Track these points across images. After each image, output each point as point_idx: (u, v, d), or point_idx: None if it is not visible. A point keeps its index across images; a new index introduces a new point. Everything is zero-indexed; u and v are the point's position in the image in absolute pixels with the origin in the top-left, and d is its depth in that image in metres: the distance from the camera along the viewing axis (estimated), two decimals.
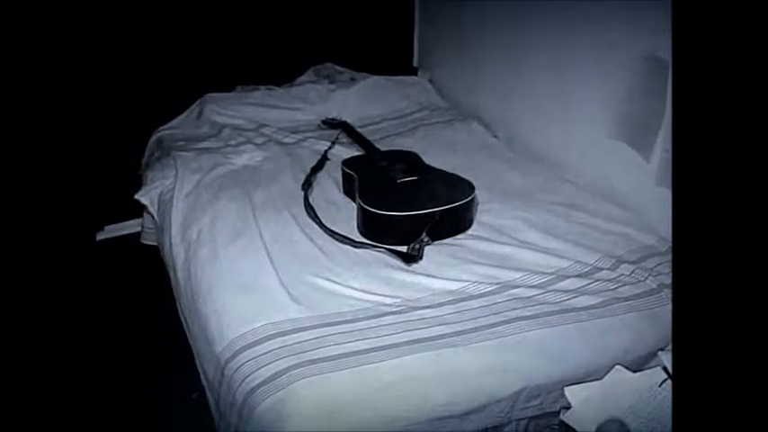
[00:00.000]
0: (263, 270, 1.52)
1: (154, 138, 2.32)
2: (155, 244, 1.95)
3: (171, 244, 1.74)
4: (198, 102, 2.46)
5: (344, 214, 1.76)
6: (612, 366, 1.26)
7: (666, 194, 1.65)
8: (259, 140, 2.25)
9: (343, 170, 1.90)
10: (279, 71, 2.71)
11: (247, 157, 2.12)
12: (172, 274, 1.73)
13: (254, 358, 1.27)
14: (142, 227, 2.10)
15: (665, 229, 1.66)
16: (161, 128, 2.36)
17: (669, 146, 1.63)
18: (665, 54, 1.60)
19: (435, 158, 1.96)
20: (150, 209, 1.94)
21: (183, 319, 1.65)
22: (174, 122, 2.40)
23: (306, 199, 1.82)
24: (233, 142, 2.22)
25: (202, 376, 1.48)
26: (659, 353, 1.30)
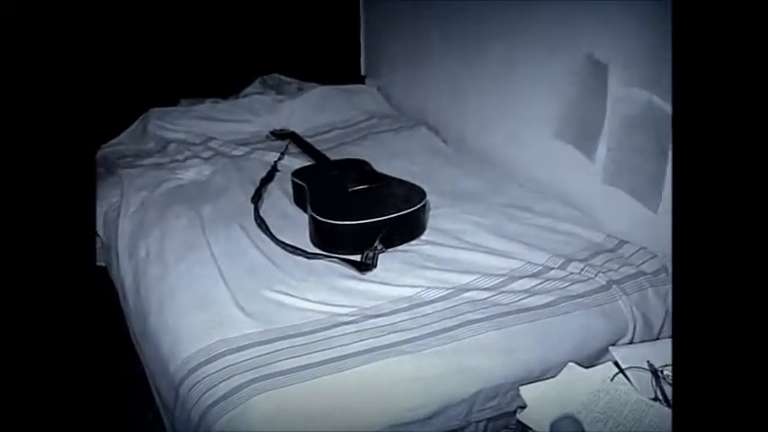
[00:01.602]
0: (214, 286, 1.50)
1: (98, 155, 2.26)
2: (102, 264, 1.90)
3: (119, 264, 1.70)
4: (141, 117, 2.42)
5: (296, 225, 1.74)
6: (566, 363, 1.29)
7: (611, 192, 1.69)
8: (206, 154, 2.22)
9: (293, 181, 1.89)
10: (224, 83, 2.67)
11: (195, 171, 2.09)
12: (121, 294, 1.69)
13: (208, 375, 1.25)
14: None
15: (612, 226, 1.71)
16: (104, 145, 2.31)
17: (612, 145, 1.67)
18: (603, 55, 1.64)
19: (386, 166, 1.97)
20: (97, 229, 1.89)
21: (134, 340, 1.61)
22: (118, 139, 2.35)
23: (256, 211, 1.80)
24: (179, 157, 2.19)
25: (156, 396, 1.45)
26: (610, 348, 1.33)
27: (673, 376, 1.15)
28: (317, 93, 2.63)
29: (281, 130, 2.38)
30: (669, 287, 1.52)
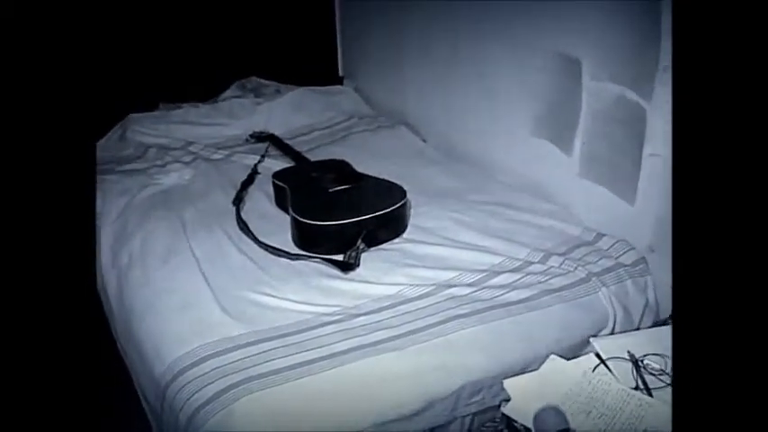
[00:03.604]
0: (198, 289, 1.50)
1: None
2: None
3: (102, 270, 1.69)
4: (120, 123, 2.41)
5: (278, 227, 1.75)
6: (548, 356, 1.31)
7: (588, 186, 1.72)
8: (186, 158, 2.22)
9: (274, 183, 1.89)
10: (202, 87, 2.67)
11: (175, 176, 2.09)
12: (104, 300, 1.69)
13: (195, 378, 1.25)
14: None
15: (590, 219, 1.73)
16: None
17: (587, 139, 1.69)
18: (575, 51, 1.66)
19: (366, 166, 1.98)
20: None
21: (119, 346, 1.61)
22: (97, 145, 2.34)
23: (238, 214, 1.80)
24: (159, 162, 2.18)
25: (143, 401, 1.45)
26: (591, 339, 1.35)
27: (672, 368, 1.17)
28: (296, 94, 2.64)
29: (261, 132, 2.39)
30: (648, 278, 1.55)
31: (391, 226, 1.71)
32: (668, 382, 1.21)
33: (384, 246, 1.67)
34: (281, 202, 1.87)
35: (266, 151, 2.23)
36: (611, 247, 1.62)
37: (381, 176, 1.88)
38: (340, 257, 1.59)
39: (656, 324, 1.52)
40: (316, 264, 1.60)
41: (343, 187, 1.82)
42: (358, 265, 1.57)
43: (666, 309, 1.56)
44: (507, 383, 1.24)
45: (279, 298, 1.46)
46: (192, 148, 2.28)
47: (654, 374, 1.23)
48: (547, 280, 1.51)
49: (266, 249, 1.64)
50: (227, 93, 2.74)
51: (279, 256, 1.62)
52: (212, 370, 1.26)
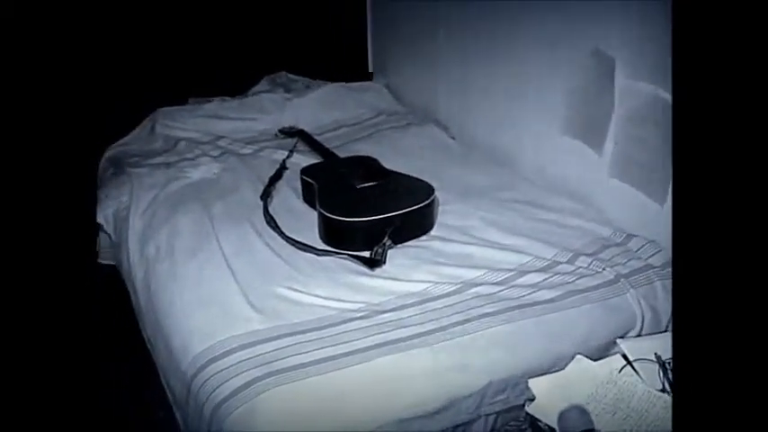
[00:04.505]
0: (224, 283, 1.51)
1: (106, 155, 2.28)
2: (112, 263, 1.92)
3: (129, 262, 1.72)
4: (150, 116, 2.43)
5: (305, 223, 1.75)
6: (574, 356, 1.29)
7: (619, 186, 1.69)
8: (215, 153, 2.23)
9: (302, 178, 1.90)
10: (232, 82, 2.69)
11: (204, 169, 2.10)
12: (132, 293, 1.71)
13: (220, 371, 1.26)
14: (98, 246, 2.06)
15: (620, 220, 1.71)
16: (113, 145, 2.32)
17: (619, 139, 1.67)
18: (609, 49, 1.64)
19: (394, 163, 1.97)
20: (106, 228, 1.91)
21: (145, 337, 1.63)
22: (127, 139, 2.36)
23: (265, 209, 1.81)
24: (189, 156, 2.20)
25: (169, 393, 1.47)
26: (618, 340, 1.34)
27: (673, 367, 1.15)
28: (326, 90, 2.64)
29: (290, 127, 2.39)
30: None
31: (418, 223, 1.71)
32: None
33: (411, 243, 1.67)
34: (308, 198, 1.87)
35: (294, 146, 2.24)
36: (641, 248, 1.59)
37: (409, 174, 1.87)
38: (366, 254, 1.59)
39: None
40: (342, 260, 1.60)
41: (370, 184, 1.82)
42: (384, 262, 1.57)
43: None
44: (532, 383, 1.23)
45: (304, 293, 1.47)
46: (220, 143, 2.30)
47: (672, 375, 1.20)
48: (574, 280, 1.49)
49: (293, 245, 1.65)
50: (257, 87, 2.75)
51: (305, 251, 1.63)
52: (236, 363, 1.26)
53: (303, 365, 1.25)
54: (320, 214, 1.68)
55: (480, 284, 1.49)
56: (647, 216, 1.62)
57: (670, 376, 1.20)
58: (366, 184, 1.81)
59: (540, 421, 1.16)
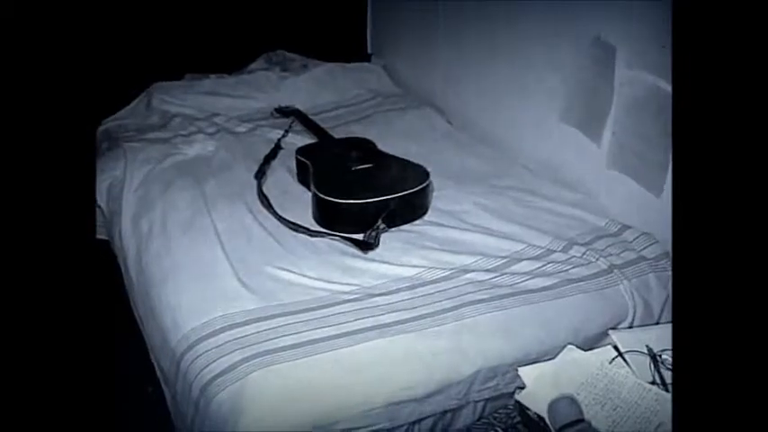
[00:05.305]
0: (217, 261, 1.50)
1: (101, 129, 2.25)
2: (105, 238, 1.91)
3: (122, 237, 1.70)
4: (146, 91, 2.40)
5: (299, 203, 1.74)
6: (565, 346, 1.29)
7: (615, 176, 1.69)
8: (210, 130, 2.21)
9: (297, 158, 1.88)
10: (229, 58, 2.65)
11: (199, 146, 2.08)
12: (123, 268, 1.70)
13: (209, 350, 1.26)
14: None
15: (616, 210, 1.70)
16: (108, 118, 2.30)
17: (617, 129, 1.66)
18: (610, 38, 1.63)
19: (390, 145, 1.96)
20: (99, 202, 1.89)
21: (136, 313, 1.62)
22: (122, 113, 2.34)
23: (259, 188, 1.80)
24: (183, 132, 2.18)
25: (157, 370, 1.47)
26: (610, 331, 1.33)
27: (673, 361, 1.16)
28: (323, 70, 2.61)
29: (286, 107, 2.37)
30: (670, 273, 1.52)
31: (413, 207, 1.70)
32: None
33: (404, 227, 1.66)
34: (303, 179, 1.86)
35: (290, 126, 2.22)
36: (635, 239, 1.59)
37: (405, 157, 1.86)
38: (360, 236, 1.58)
39: None
40: (335, 241, 1.59)
41: (365, 166, 1.80)
42: (377, 245, 1.57)
43: None
44: (522, 371, 1.23)
45: (297, 274, 1.46)
46: (216, 120, 2.28)
47: (671, 370, 1.21)
48: (568, 269, 1.49)
49: (286, 225, 1.64)
50: (254, 65, 2.72)
51: (298, 232, 1.62)
52: (227, 342, 1.26)
53: (293, 346, 1.25)
54: (314, 195, 1.67)
55: (473, 271, 1.49)
56: (643, 207, 1.61)
57: (661, 369, 1.20)
58: (361, 167, 1.80)
59: (529, 410, 1.16)
